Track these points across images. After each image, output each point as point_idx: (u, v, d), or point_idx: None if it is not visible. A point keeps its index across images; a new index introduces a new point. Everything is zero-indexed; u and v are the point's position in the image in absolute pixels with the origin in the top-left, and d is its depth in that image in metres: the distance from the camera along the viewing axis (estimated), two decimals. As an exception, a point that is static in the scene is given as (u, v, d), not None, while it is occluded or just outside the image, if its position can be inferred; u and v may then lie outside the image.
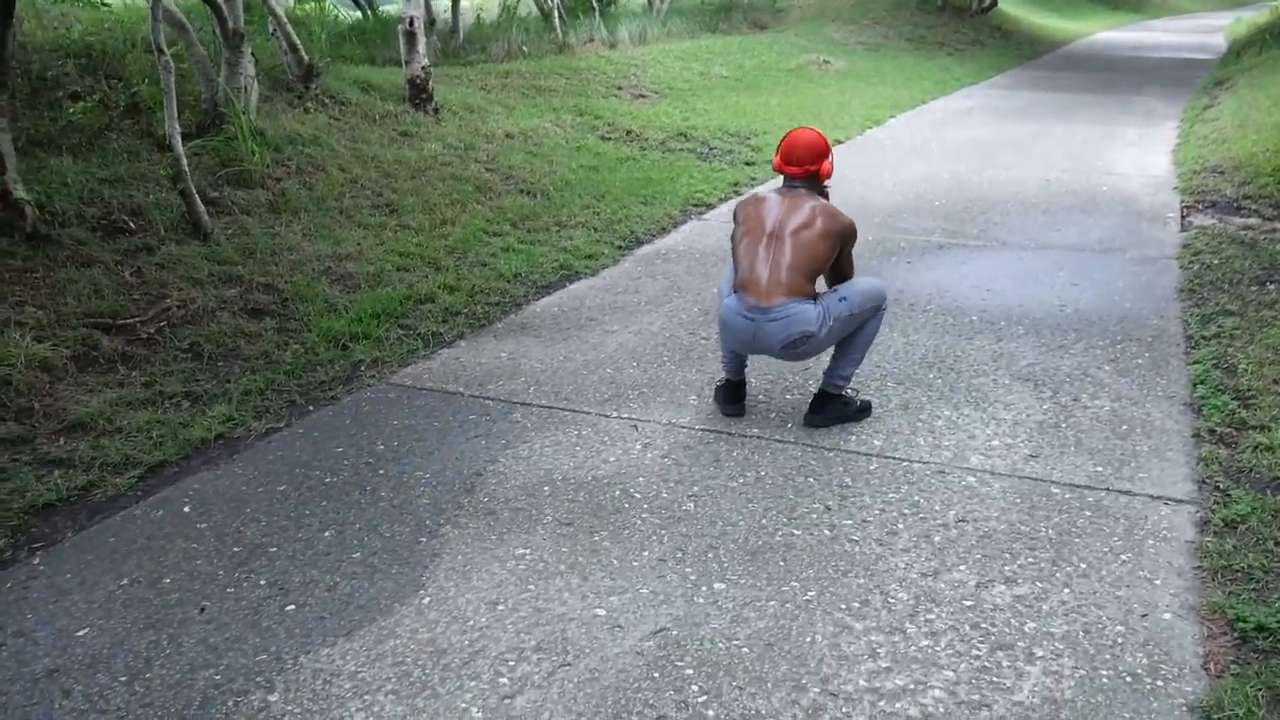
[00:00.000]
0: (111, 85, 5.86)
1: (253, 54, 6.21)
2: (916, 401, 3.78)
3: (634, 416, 3.70)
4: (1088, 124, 10.37)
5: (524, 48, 11.90)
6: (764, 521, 2.95)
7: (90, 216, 4.91)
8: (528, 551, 2.85)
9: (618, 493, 3.15)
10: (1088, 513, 2.96)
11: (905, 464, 3.29)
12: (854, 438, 3.49)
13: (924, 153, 8.98)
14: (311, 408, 3.88)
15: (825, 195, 3.57)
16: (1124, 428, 3.52)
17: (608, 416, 3.71)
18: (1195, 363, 4.04)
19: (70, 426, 3.64)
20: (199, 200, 5.01)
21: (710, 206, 6.92)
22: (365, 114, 7.35)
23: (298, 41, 6.93)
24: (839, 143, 9.41)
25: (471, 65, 10.86)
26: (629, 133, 9.06)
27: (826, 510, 3.01)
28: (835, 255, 3.46)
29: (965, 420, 3.61)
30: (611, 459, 3.38)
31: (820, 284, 3.55)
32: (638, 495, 3.13)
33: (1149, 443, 3.40)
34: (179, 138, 4.84)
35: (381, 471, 3.35)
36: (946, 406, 3.73)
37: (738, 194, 7.37)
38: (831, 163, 3.51)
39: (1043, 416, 3.63)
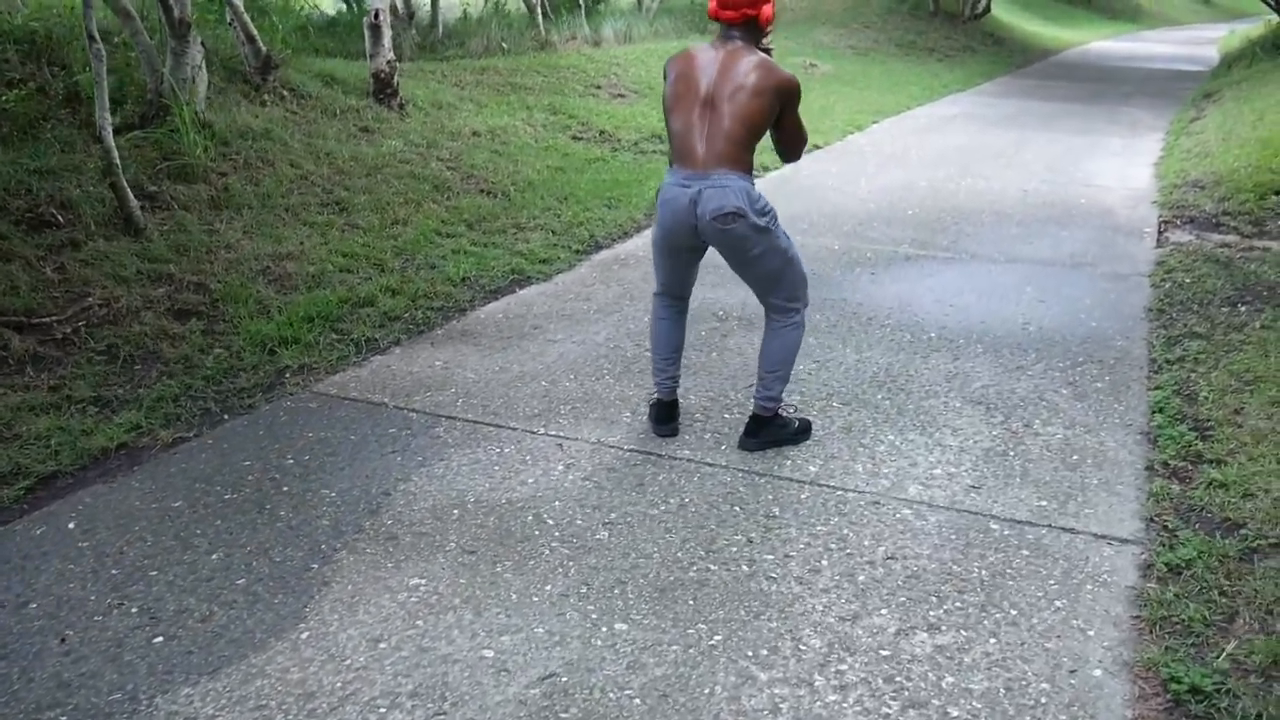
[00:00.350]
0: (53, 73, 5.66)
1: (203, 44, 6.00)
2: (861, 424, 3.59)
3: (561, 434, 3.51)
4: (1072, 134, 10.20)
5: (503, 44, 11.71)
6: (680, 554, 2.76)
7: (15, 209, 4.70)
8: (423, 582, 2.65)
9: (530, 518, 2.96)
10: (1025, 552, 2.77)
11: (839, 493, 3.10)
12: (789, 462, 3.30)
13: (903, 160, 8.80)
14: (226, 416, 3.69)
15: (767, 49, 3.23)
16: (1074, 458, 3.33)
17: (534, 433, 3.52)
18: (1156, 388, 3.86)
19: (-37, 433, 3.44)
20: (131, 194, 4.80)
21: (676, 211, 6.73)
22: (325, 108, 7.15)
23: (255, 32, 6.72)
24: (818, 148, 9.23)
25: (448, 60, 10.67)
26: (602, 133, 8.87)
27: (748, 543, 2.82)
28: (775, 115, 3.12)
29: (909, 446, 3.42)
30: (530, 480, 3.19)
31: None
32: (550, 521, 2.94)
33: (1099, 475, 3.21)
34: (110, 129, 4.64)
35: (285, 488, 3.15)
36: (891, 430, 3.54)
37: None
38: (774, 6, 3.16)
39: (990, 443, 3.44)
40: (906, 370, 4.09)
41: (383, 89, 7.59)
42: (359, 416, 3.66)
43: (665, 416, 3.51)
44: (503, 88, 9.77)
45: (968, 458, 3.33)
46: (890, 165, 8.53)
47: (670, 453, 3.37)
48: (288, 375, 4.02)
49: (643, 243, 6.02)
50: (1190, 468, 3.20)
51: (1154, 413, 3.63)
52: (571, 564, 2.72)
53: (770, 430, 3.39)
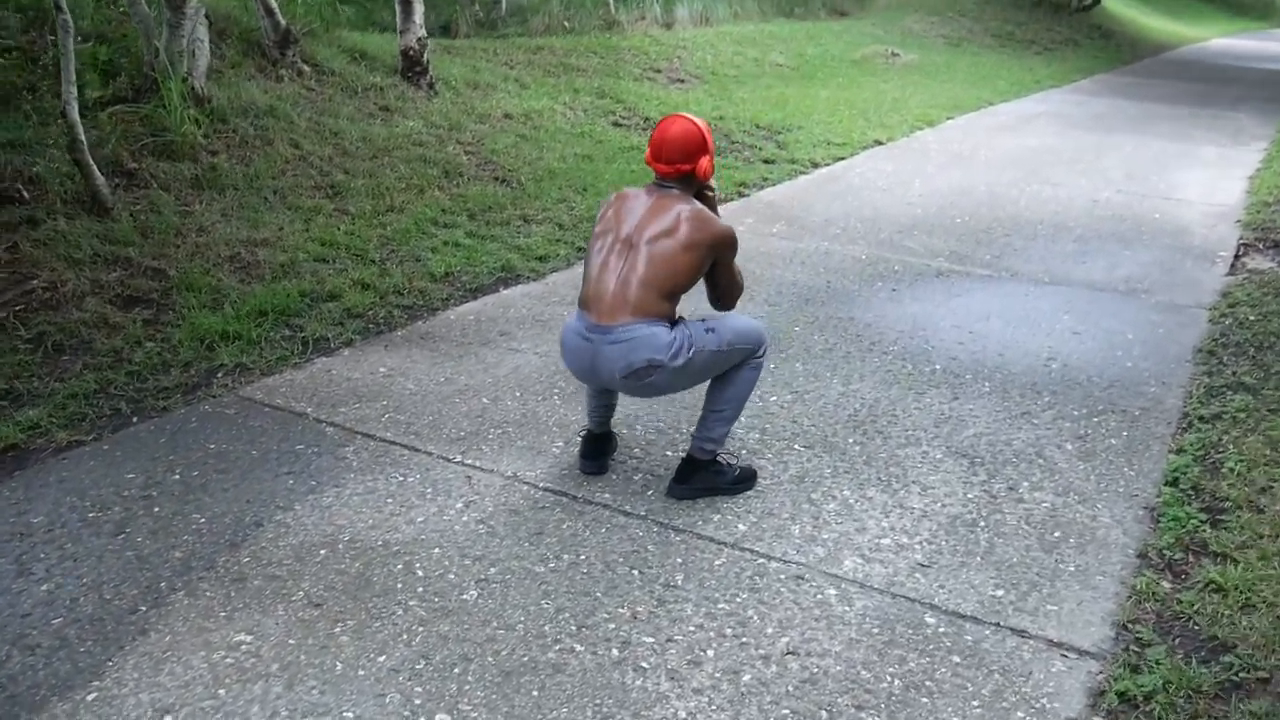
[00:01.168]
0: (53, 41, 5.50)
1: (206, 16, 5.78)
2: (816, 473, 3.14)
3: (477, 464, 3.15)
4: (1163, 139, 9.38)
5: (566, 22, 11.35)
6: (547, 628, 2.38)
7: (-22, 182, 4.54)
8: (248, 639, 2.33)
9: (399, 566, 2.61)
10: (956, 659, 2.31)
11: (760, 561, 2.67)
12: (718, 517, 2.88)
13: (969, 161, 8.18)
14: (135, 419, 3.43)
15: (709, 200, 2.96)
16: (1056, 534, 2.83)
17: (448, 460, 3.17)
18: (1178, 450, 3.31)
19: None
20: (97, 171, 4.60)
21: (699, 208, 6.29)
22: (346, 86, 6.89)
23: (274, 4, 6.49)
24: (879, 144, 8.66)
25: (505, 38, 10.37)
26: (647, 119, 8.45)
27: (631, 620, 2.42)
28: (706, 268, 2.83)
29: (863, 505, 2.96)
30: (419, 519, 2.84)
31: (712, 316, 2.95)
32: (420, 573, 2.59)
33: (1078, 560, 2.71)
34: (75, 103, 4.43)
35: (156, 509, 2.86)
36: (849, 484, 3.08)
37: (741, 195, 6.74)
38: (711, 160, 2.86)
39: (960, 509, 2.96)
40: (894, 409, 3.62)
41: (411, 67, 7.31)
42: (271, 428, 3.36)
43: (594, 451, 3.12)
44: (554, 68, 9.43)
45: (927, 526, 2.86)
46: (952, 166, 7.93)
47: (587, 495, 2.98)
48: (219, 375, 3.75)
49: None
50: (1190, 560, 2.67)
51: (1167, 483, 3.10)
52: (420, 629, 2.36)
53: (704, 476, 2.97)
